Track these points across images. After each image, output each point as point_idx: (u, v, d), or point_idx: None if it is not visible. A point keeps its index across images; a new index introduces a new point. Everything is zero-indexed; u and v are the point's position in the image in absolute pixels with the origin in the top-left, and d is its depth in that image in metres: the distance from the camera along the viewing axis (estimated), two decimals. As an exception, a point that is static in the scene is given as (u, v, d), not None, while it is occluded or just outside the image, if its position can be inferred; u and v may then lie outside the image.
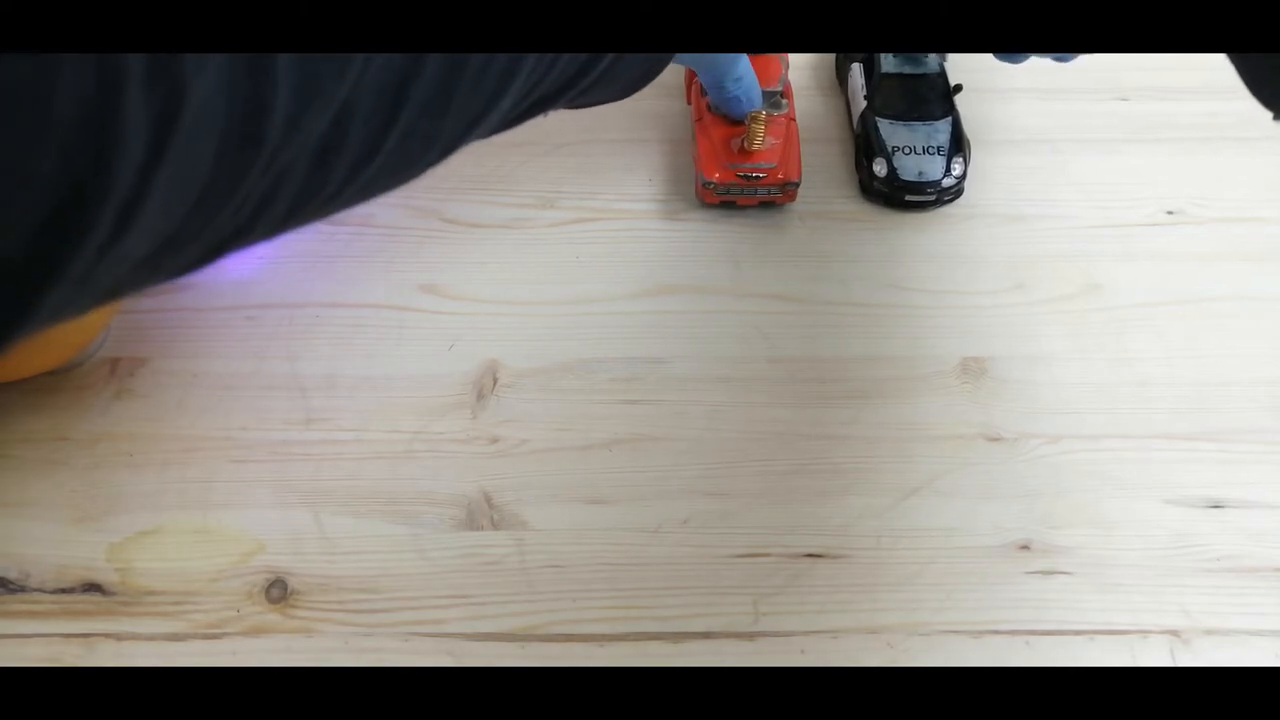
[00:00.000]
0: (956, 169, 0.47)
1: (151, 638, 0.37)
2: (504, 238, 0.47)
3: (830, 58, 0.54)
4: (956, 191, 0.48)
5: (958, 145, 0.48)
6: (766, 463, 0.41)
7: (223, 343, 0.43)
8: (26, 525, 0.39)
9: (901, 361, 0.44)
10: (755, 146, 0.45)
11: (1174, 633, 0.37)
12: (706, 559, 0.39)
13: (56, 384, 0.42)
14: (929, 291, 0.46)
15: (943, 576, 0.38)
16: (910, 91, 0.49)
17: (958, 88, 0.49)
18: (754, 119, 0.44)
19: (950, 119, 0.48)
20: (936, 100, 0.49)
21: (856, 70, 0.50)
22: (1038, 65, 0.44)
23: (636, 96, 0.38)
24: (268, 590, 0.37)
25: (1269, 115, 0.30)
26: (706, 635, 0.37)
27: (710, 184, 0.46)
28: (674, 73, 0.41)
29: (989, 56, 0.44)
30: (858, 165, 0.49)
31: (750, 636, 0.37)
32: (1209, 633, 0.37)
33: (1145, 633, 0.37)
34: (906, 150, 0.47)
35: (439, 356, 0.43)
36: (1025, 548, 0.39)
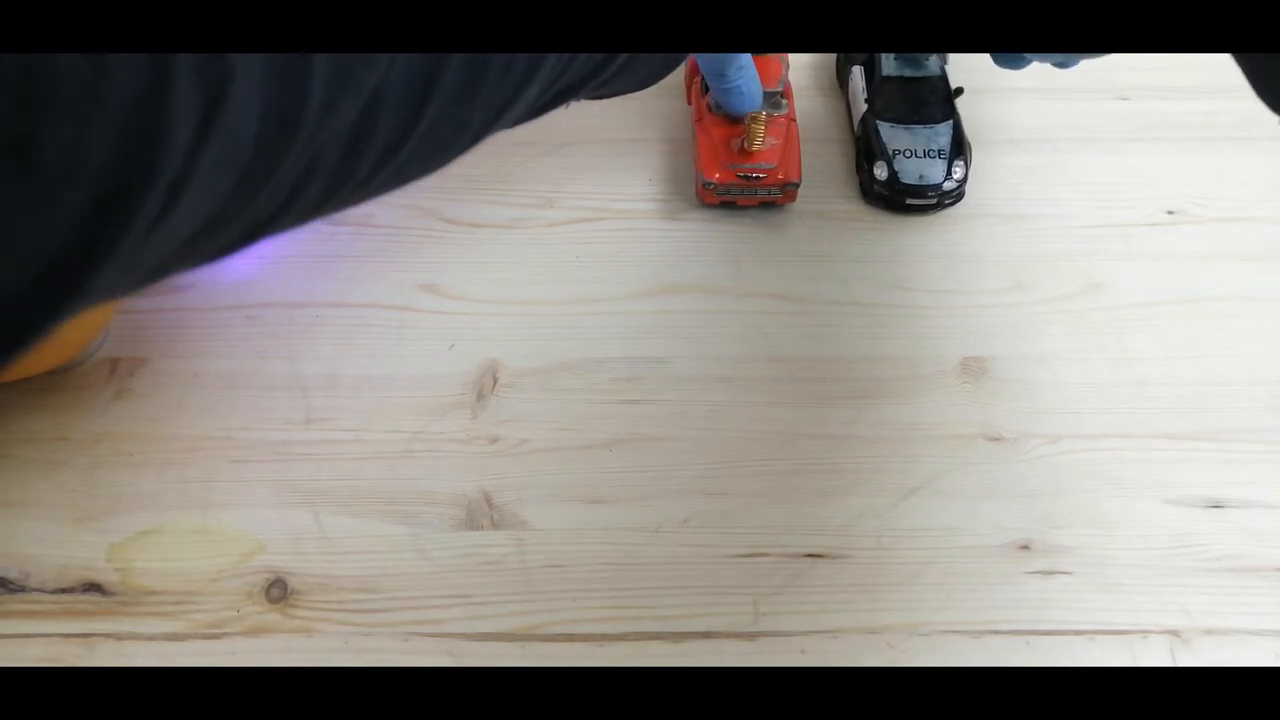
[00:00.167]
0: (957, 172, 0.47)
1: (151, 638, 0.37)
2: (504, 238, 0.47)
3: (830, 58, 0.54)
4: (958, 195, 0.48)
5: (959, 148, 0.48)
6: (767, 462, 0.41)
7: (223, 342, 0.43)
8: (27, 525, 0.39)
9: (902, 361, 0.44)
10: (755, 147, 0.45)
11: (1174, 633, 0.37)
12: (706, 559, 0.39)
13: (56, 384, 0.42)
14: (929, 291, 0.46)
15: (943, 576, 0.38)
16: (911, 95, 0.49)
17: (958, 91, 0.49)
18: (754, 119, 0.44)
19: (951, 122, 0.48)
20: (937, 103, 0.49)
21: (857, 73, 0.50)
22: (1038, 66, 0.44)
23: (637, 96, 0.38)
24: (268, 590, 0.37)
25: (1270, 114, 0.30)
26: (706, 635, 0.37)
27: (710, 184, 0.46)
28: (674, 72, 0.41)
29: (989, 56, 0.44)
30: (858, 168, 0.49)
31: (750, 636, 0.37)
32: (1209, 633, 0.37)
33: (1145, 633, 0.37)
34: (907, 154, 0.47)
35: (439, 356, 0.43)
36: (1025, 548, 0.39)
